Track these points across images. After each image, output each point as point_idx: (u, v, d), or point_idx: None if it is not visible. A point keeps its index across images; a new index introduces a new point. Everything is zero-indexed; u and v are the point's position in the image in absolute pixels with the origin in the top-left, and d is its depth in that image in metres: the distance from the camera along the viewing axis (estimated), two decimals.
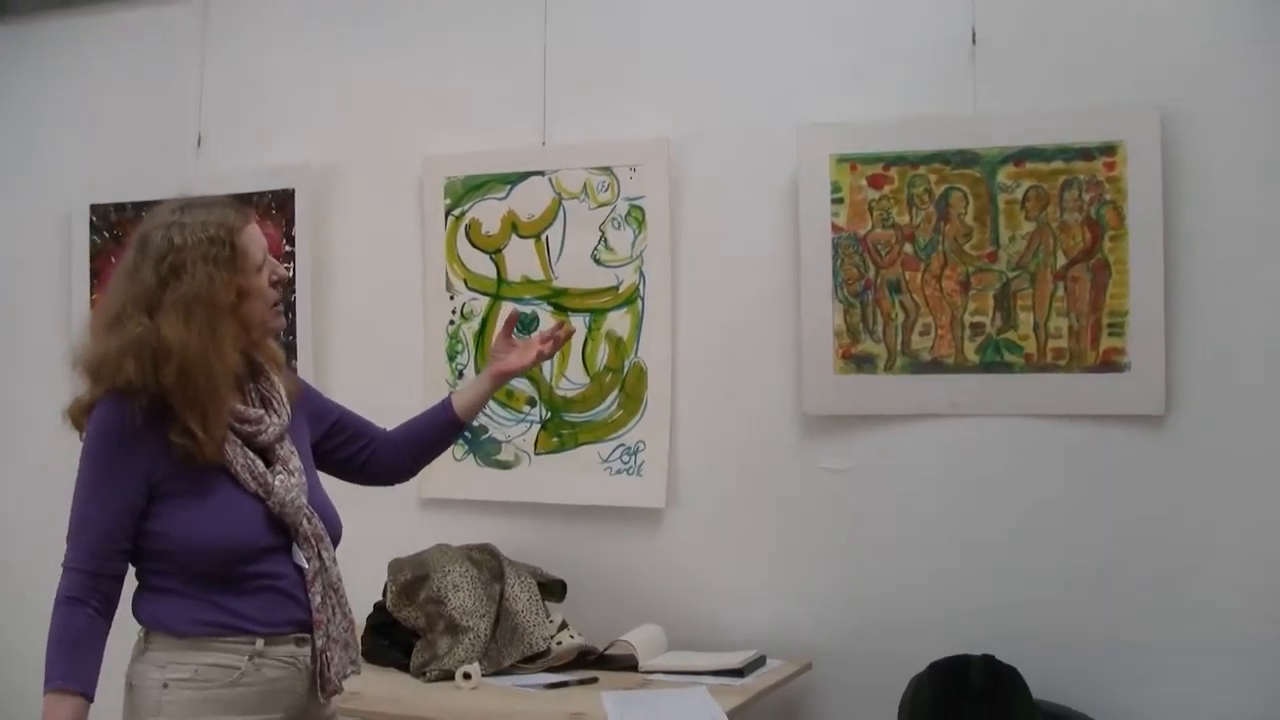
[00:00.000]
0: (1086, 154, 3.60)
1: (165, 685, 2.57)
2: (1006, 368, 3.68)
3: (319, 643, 2.71)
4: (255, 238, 2.73)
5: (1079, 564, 3.63)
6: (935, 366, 3.74)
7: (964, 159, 3.70)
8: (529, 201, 4.20)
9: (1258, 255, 3.49)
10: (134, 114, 4.85)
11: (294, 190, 4.52)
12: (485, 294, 4.25)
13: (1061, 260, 3.63)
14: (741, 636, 3.86)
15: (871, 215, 3.78)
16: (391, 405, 3.95)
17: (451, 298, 4.31)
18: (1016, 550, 3.68)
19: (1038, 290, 3.65)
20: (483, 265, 4.26)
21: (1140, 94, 3.58)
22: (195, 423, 2.56)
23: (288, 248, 4.52)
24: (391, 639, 3.86)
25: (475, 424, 3.97)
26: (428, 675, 3.67)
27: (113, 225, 4.83)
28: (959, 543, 3.74)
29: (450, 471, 4.20)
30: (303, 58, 4.61)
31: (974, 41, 3.72)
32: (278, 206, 4.52)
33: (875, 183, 3.78)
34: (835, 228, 3.81)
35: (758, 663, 3.68)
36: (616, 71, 4.16)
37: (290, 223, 4.52)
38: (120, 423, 2.56)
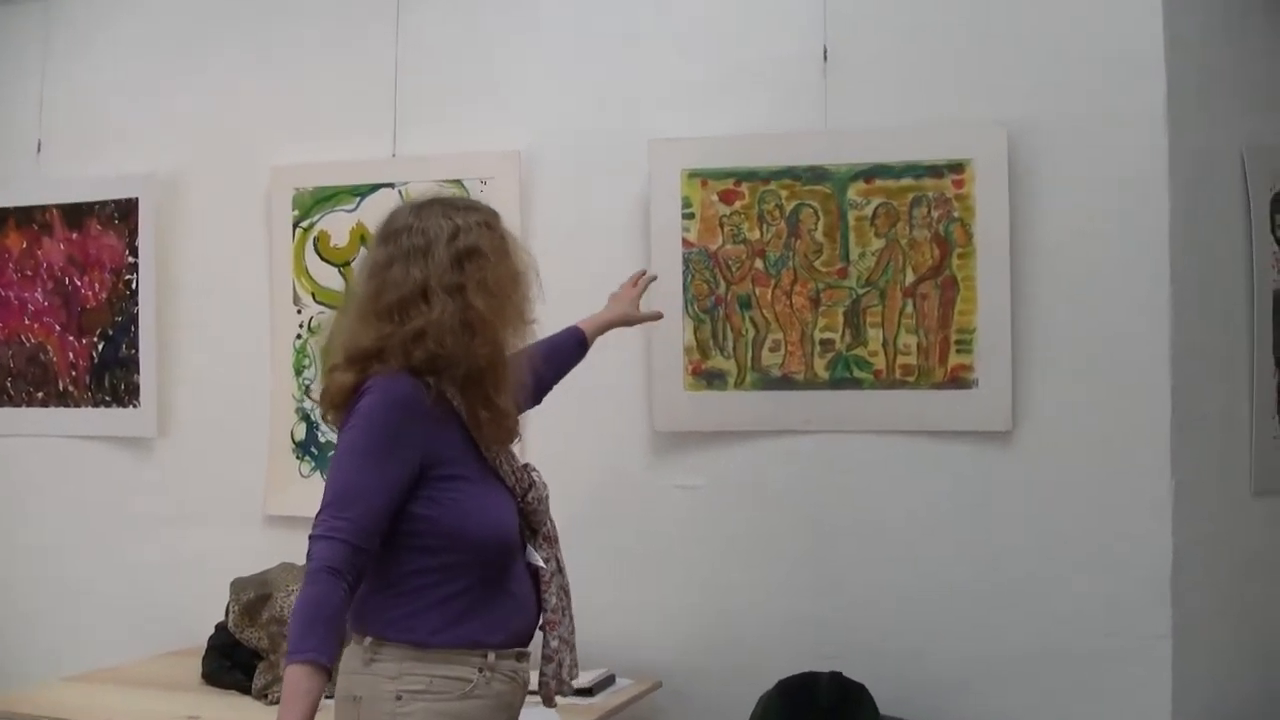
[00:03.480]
0: (935, 171, 3.63)
1: (399, 697, 2.47)
2: (856, 384, 3.69)
3: (553, 643, 2.68)
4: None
5: (927, 579, 3.65)
6: (785, 383, 3.74)
7: (815, 175, 3.71)
8: (379, 213, 4.07)
9: (1101, 272, 3.54)
10: None
11: (138, 199, 4.42)
12: (333, 307, 4.15)
13: (911, 277, 3.65)
14: (591, 655, 3.80)
15: (723, 230, 3.77)
16: (236, 418, 3.89)
17: (299, 311, 4.23)
18: (865, 566, 3.70)
19: (887, 307, 3.67)
20: (331, 278, 4.19)
21: (988, 112, 3.62)
22: (502, 397, 2.56)
23: (130, 258, 4.41)
24: (233, 660, 3.76)
25: (321, 440, 3.90)
26: (270, 697, 3.58)
27: None
28: (809, 559, 3.74)
29: (297, 489, 4.11)
30: (148, 64, 4.51)
31: (825, 58, 3.74)
32: (121, 216, 4.41)
33: (726, 198, 3.77)
34: (686, 243, 3.80)
35: (607, 681, 3.65)
36: (468, 84, 4.12)
37: (133, 233, 4.41)
38: (414, 395, 2.48)
